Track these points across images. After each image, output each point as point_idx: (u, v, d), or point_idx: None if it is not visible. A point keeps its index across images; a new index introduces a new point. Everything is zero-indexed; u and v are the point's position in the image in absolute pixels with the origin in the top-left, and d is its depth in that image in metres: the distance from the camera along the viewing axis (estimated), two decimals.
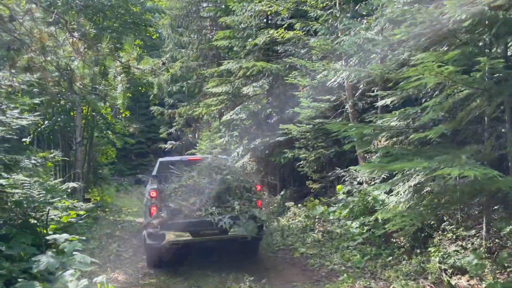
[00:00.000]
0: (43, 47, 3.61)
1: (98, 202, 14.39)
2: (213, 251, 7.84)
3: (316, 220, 9.33)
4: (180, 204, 6.11)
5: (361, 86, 7.82)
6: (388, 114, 4.84)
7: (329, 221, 9.41)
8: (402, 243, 6.69)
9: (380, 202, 6.98)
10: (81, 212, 6.60)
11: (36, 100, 6.57)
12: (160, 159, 8.13)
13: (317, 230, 8.93)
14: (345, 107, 8.68)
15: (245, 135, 13.15)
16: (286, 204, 11.71)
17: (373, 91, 7.58)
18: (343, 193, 8.35)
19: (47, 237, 3.88)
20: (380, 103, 6.06)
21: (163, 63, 4.83)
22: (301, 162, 9.87)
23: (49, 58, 3.83)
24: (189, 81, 19.76)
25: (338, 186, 8.48)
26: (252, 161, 12.65)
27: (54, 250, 4.38)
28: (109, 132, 17.07)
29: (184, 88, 19.95)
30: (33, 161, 5.78)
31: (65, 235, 3.76)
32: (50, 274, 3.75)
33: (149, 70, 4.60)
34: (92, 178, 17.06)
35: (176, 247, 6.27)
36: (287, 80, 9.66)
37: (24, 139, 11.84)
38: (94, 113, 12.88)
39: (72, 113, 11.60)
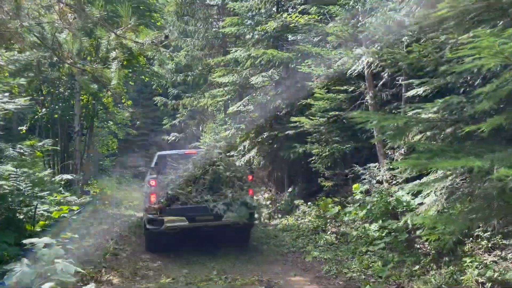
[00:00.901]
0: (18, 7, 2.95)
1: (97, 195, 13.81)
2: (215, 250, 7.25)
3: (329, 220, 8.68)
4: (177, 192, 6.71)
5: (385, 74, 7.11)
6: (427, 104, 4.15)
7: (343, 222, 8.76)
8: (428, 250, 6.03)
9: (404, 204, 6.30)
10: (75, 207, 5.98)
11: (22, 81, 5.90)
12: (158, 153, 8.56)
13: (330, 232, 8.28)
14: (365, 99, 7.97)
15: (252, 128, 12.48)
16: (295, 202, 11.06)
17: (397, 80, 6.88)
18: (360, 192, 7.67)
19: (24, 241, 3.24)
20: (410, 93, 5.36)
21: (166, 36, 4.17)
22: (313, 158, 9.19)
23: (26, 24, 3.17)
24: (194, 72, 19.09)
25: (355, 185, 7.81)
26: (259, 156, 11.98)
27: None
28: (111, 123, 16.48)
29: (188, 79, 19.27)
30: (19, 150, 5.15)
31: (45, 239, 3.12)
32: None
33: (148, 44, 3.95)
34: (93, 170, 16.51)
35: (173, 231, 6.75)
36: (300, 69, 8.96)
37: (20, 127, 11.26)
38: (94, 102, 12.25)
39: (72, 102, 10.97)
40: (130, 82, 14.70)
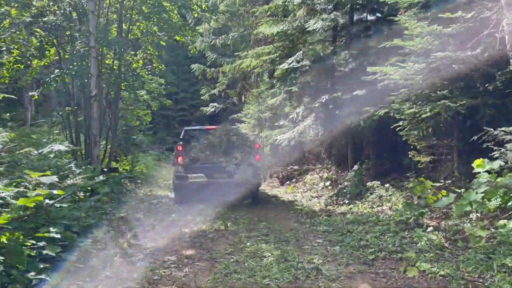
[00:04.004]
0: None
1: (126, 173, 12.06)
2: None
3: (426, 210, 6.10)
4: (198, 154, 8.49)
5: None
6: None
7: (444, 214, 6.17)
8: None
9: None
10: (60, 192, 3.90)
11: None
12: (185, 128, 9.98)
13: (429, 227, 5.73)
14: (498, 26, 5.13)
15: (307, 91, 9.93)
16: (366, 183, 8.54)
17: None
18: (488, 172, 4.99)
19: None
20: None
21: None
22: (400, 123, 6.56)
23: None
24: (234, 33, 16.64)
25: (477, 161, 5.10)
26: (316, 125, 9.47)
27: None
28: (143, 92, 14.55)
29: (228, 41, 16.87)
30: None
31: None
32: None
33: None
34: (124, 144, 14.83)
35: (195, 185, 8.39)
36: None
37: (32, 93, 9.53)
38: (119, 61, 10.24)
39: (87, 61, 9.01)
40: (162, 42, 12.54)
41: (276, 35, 9.87)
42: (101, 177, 6.55)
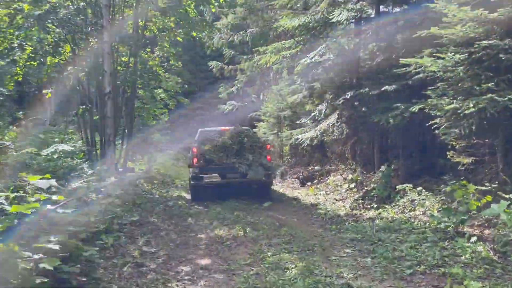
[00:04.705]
0: None
1: (142, 173, 11.77)
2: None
3: (467, 217, 5.45)
4: (212, 156, 8.91)
5: None
6: None
7: (488, 221, 5.52)
8: None
9: None
10: (59, 197, 3.50)
11: None
12: (200, 129, 10.30)
13: (472, 237, 5.10)
14: None
15: (330, 87, 9.35)
16: (395, 186, 7.91)
17: None
18: None
19: None
20: None
21: None
22: (437, 120, 5.91)
23: None
24: (253, 29, 16.17)
25: None
26: (340, 123, 8.87)
27: None
28: (160, 90, 14.25)
29: (246, 38, 16.41)
30: None
31: None
32: None
33: None
34: (141, 144, 14.54)
35: (210, 185, 8.88)
36: None
37: (45, 91, 9.31)
38: (135, 58, 9.92)
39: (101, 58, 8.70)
40: (178, 38, 12.18)
41: (297, 28, 9.31)
42: (112, 178, 6.17)
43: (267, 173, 8.98)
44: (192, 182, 9.17)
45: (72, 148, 5.24)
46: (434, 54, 5.62)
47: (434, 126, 6.09)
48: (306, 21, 9.02)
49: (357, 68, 8.95)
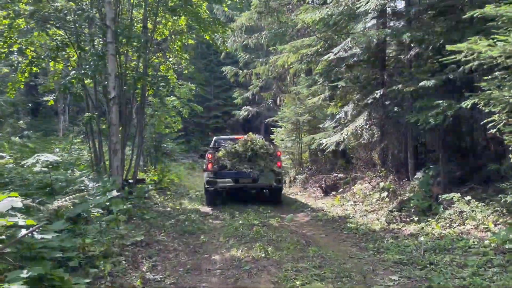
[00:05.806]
0: None
1: (154, 184, 11.02)
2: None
3: None
4: (226, 162, 9.43)
5: None
6: None
7: None
8: None
9: None
10: (28, 221, 2.70)
11: None
12: (215, 137, 11.20)
13: None
14: None
15: (357, 86, 8.41)
16: (438, 195, 6.88)
17: None
18: None
19: None
20: None
21: None
22: (496, 117, 4.92)
23: None
24: (268, 31, 15.39)
25: None
26: (371, 125, 7.90)
27: None
28: (172, 98, 13.57)
29: (262, 40, 15.65)
30: None
31: None
32: None
33: None
34: (154, 153, 13.86)
35: (224, 189, 9.71)
36: None
37: (46, 98, 8.69)
38: (142, 59, 9.22)
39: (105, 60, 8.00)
40: (190, 41, 11.48)
41: (318, 22, 8.44)
42: (114, 192, 5.38)
43: (278, 179, 9.47)
44: (206, 186, 9.67)
45: (58, 159, 4.47)
46: (492, 37, 4.65)
47: (490, 124, 5.08)
48: (329, 13, 8.15)
49: (386, 63, 7.99)
